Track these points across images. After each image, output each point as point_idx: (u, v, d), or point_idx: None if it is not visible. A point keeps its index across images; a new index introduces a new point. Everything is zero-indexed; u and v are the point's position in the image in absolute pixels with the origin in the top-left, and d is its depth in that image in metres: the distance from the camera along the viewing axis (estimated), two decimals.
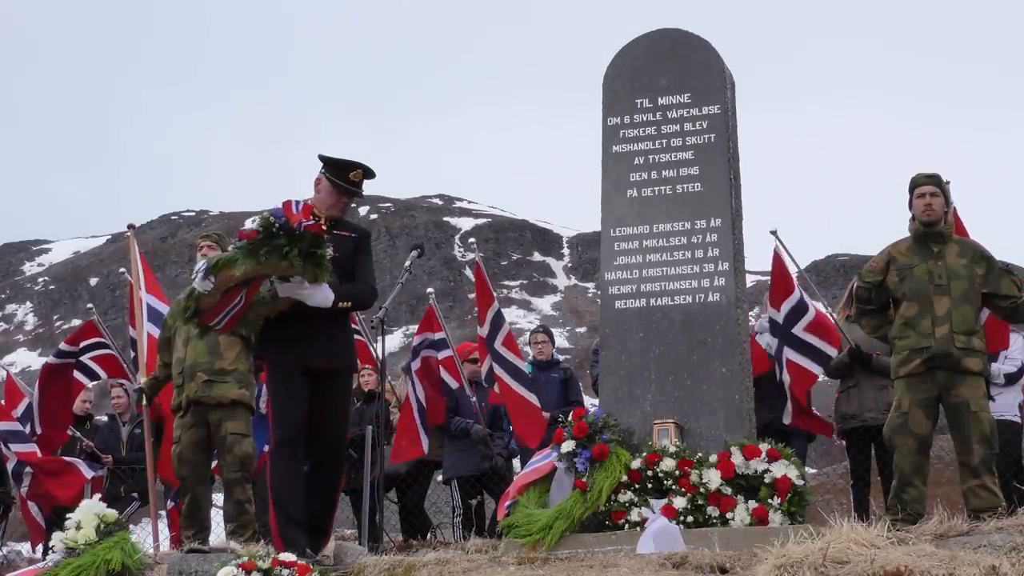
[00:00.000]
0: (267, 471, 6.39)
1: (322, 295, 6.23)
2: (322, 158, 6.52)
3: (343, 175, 6.44)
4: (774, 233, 8.62)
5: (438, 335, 9.61)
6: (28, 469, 9.66)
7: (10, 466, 9.87)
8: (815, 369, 8.45)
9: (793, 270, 8.82)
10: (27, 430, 9.77)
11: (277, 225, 5.94)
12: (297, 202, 6.10)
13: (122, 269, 11.56)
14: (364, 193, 6.55)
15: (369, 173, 6.52)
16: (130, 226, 9.24)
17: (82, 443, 9.98)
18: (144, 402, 8.16)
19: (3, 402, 10.34)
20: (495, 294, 9.95)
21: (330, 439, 6.47)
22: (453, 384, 9.41)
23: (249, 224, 6.11)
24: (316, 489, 6.37)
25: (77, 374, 9.60)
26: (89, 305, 13.17)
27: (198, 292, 6.23)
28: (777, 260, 8.61)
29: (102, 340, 9.64)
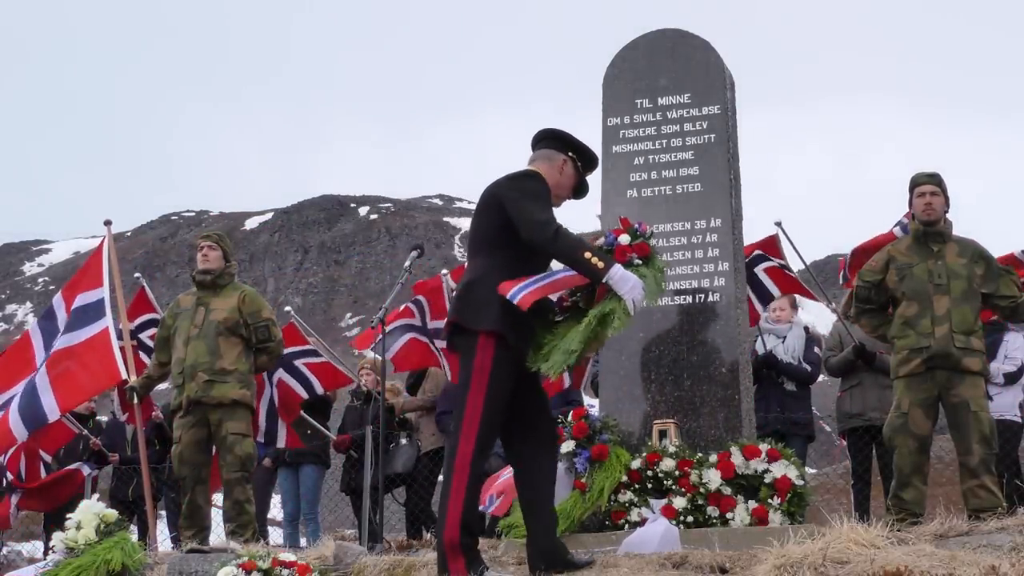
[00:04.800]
0: (464, 453, 4.91)
1: None
2: (570, 140, 5.39)
3: (590, 170, 5.49)
4: (779, 224, 8.82)
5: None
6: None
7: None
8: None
9: (799, 266, 8.94)
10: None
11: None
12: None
13: (137, 274, 11.52)
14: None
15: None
16: (107, 222, 9.13)
17: (90, 441, 9.97)
18: (135, 400, 8.15)
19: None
20: None
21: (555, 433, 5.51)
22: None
23: (624, 237, 5.04)
24: (550, 486, 5.26)
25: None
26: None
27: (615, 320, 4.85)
28: (770, 244, 8.80)
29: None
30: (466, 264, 5.14)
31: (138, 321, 9.17)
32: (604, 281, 4.82)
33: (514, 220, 4.96)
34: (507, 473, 6.96)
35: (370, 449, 7.98)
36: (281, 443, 8.86)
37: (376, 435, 7.56)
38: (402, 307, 9.49)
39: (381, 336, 7.49)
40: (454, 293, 5.04)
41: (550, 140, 5.37)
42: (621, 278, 4.82)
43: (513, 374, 4.98)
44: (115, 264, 8.74)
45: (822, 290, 9.15)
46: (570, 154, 5.33)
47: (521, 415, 5.09)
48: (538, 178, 5.18)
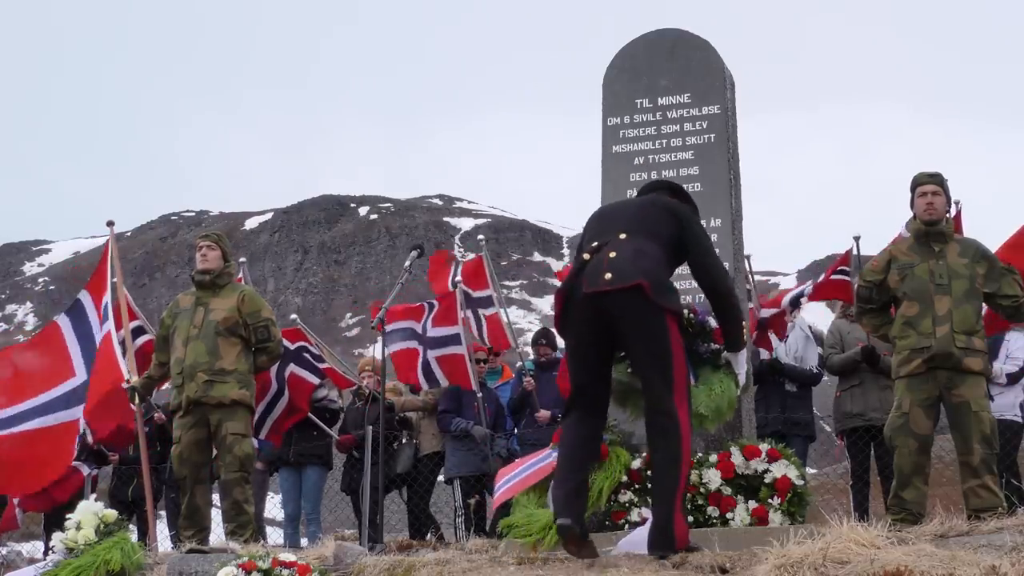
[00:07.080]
0: (684, 421, 5.19)
1: None
2: (686, 195, 5.62)
3: None
4: (857, 239, 9.02)
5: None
6: None
7: None
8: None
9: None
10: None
11: None
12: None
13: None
14: None
15: None
16: (109, 223, 9.12)
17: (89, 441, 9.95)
18: (136, 401, 8.13)
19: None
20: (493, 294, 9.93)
21: None
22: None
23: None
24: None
25: None
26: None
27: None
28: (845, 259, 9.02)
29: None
30: (619, 233, 5.19)
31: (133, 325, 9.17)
32: (732, 353, 5.32)
33: (696, 254, 5.28)
34: (523, 468, 6.95)
35: (370, 449, 7.98)
36: (263, 435, 8.79)
37: (376, 435, 7.56)
38: (414, 305, 9.55)
39: (382, 336, 7.49)
40: (611, 254, 5.08)
41: (667, 192, 5.56)
42: (744, 359, 5.35)
43: None
44: (118, 266, 8.74)
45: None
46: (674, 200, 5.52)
47: (607, 387, 5.37)
48: None
